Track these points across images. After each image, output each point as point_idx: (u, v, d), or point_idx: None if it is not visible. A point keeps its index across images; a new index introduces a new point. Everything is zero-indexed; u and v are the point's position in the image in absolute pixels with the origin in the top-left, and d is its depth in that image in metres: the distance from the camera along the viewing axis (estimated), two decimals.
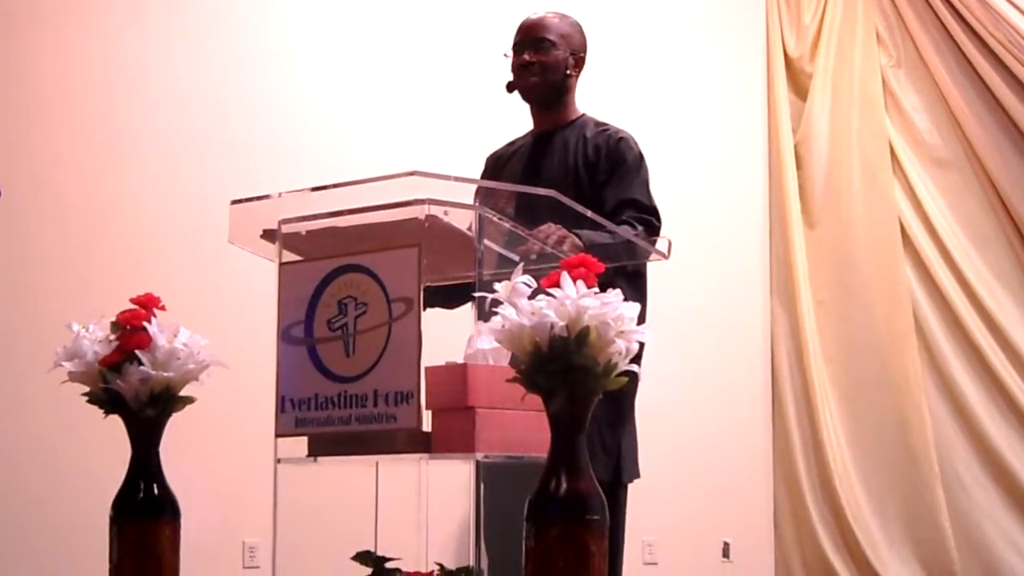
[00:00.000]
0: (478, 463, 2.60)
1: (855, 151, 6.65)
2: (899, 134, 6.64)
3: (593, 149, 3.75)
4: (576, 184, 3.66)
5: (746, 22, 6.78)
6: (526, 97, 3.83)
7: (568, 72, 3.81)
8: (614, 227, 3.33)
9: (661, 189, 6.07)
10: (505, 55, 3.82)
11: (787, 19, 6.84)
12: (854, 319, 6.53)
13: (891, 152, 6.61)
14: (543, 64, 3.76)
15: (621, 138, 3.77)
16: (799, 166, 6.71)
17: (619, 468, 3.60)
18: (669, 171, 6.30)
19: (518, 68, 3.78)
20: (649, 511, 5.80)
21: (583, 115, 3.89)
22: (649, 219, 3.63)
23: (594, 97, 5.83)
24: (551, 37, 3.78)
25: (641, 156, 3.75)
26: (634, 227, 3.53)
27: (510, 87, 3.81)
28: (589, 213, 3.20)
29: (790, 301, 6.58)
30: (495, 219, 2.82)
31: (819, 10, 6.82)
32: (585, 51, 3.88)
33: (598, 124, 3.84)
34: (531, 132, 3.92)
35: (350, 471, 2.98)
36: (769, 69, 6.80)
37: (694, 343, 6.13)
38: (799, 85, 6.82)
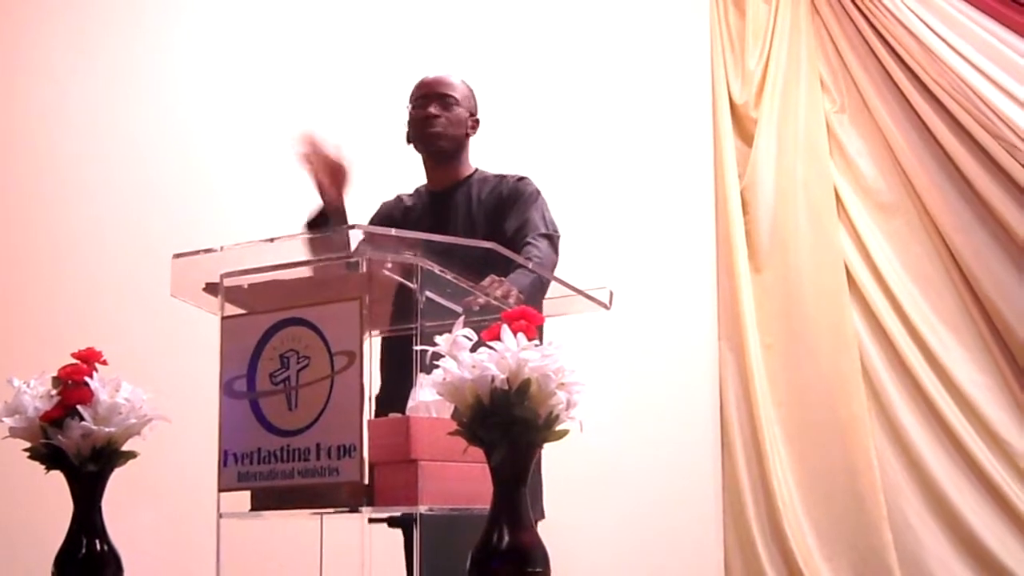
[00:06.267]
0: (420, 516, 2.59)
1: (801, 196, 6.70)
2: (844, 179, 6.70)
3: (496, 197, 3.85)
4: (485, 238, 3.67)
5: (691, 68, 6.82)
6: (427, 148, 3.91)
7: (467, 131, 3.93)
8: (523, 259, 3.40)
9: (609, 236, 6.18)
10: (407, 107, 3.91)
11: (732, 65, 6.89)
12: (802, 363, 6.56)
13: (836, 197, 6.67)
14: (448, 119, 3.87)
15: (519, 179, 3.89)
16: (745, 211, 6.75)
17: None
18: (616, 218, 6.37)
19: (422, 120, 3.87)
20: (598, 560, 5.80)
21: (477, 170, 3.98)
22: (546, 233, 3.73)
23: (540, 146, 5.90)
24: (455, 95, 3.90)
25: (538, 191, 3.87)
26: (536, 245, 3.64)
27: (410, 138, 3.91)
28: (530, 265, 3.23)
29: (738, 346, 6.60)
30: (437, 271, 2.83)
31: (763, 56, 6.87)
32: (478, 114, 3.98)
33: (495, 175, 3.94)
34: (425, 189, 4.00)
35: (294, 525, 2.96)
36: (715, 115, 6.84)
37: (642, 389, 6.13)
38: (744, 131, 6.86)
